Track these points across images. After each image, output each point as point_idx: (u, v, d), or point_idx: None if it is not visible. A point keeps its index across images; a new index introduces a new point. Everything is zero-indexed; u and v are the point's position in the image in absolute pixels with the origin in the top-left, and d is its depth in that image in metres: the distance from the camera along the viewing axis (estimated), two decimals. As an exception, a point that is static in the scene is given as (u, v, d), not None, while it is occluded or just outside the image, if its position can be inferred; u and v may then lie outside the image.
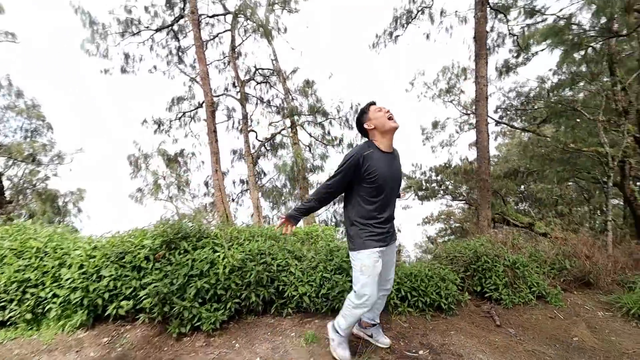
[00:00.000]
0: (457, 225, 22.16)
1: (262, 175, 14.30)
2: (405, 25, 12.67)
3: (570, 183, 18.79)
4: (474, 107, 10.68)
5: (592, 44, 11.39)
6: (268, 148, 13.64)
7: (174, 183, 12.58)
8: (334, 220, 13.70)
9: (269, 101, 13.05)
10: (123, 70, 13.26)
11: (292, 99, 12.94)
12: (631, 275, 3.37)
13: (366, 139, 2.08)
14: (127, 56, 13.32)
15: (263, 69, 13.73)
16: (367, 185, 1.95)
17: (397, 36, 12.83)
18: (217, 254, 2.78)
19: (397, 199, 2.32)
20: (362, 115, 2.07)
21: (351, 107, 12.72)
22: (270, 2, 12.87)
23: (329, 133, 13.64)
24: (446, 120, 17.61)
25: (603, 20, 7.15)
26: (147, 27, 12.70)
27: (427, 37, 12.30)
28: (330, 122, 13.40)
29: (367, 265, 1.96)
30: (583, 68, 14.54)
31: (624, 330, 2.63)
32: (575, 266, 3.50)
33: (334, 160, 14.69)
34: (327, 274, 2.92)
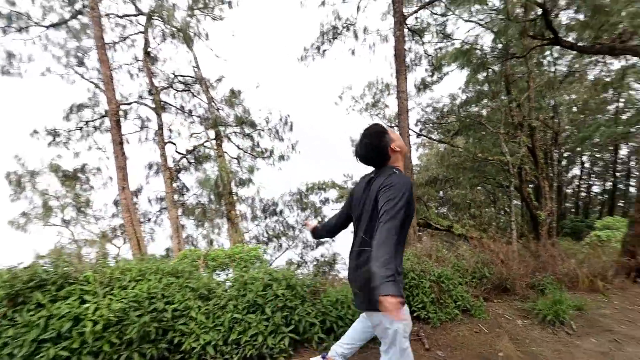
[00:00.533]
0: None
1: (185, 191, 13.07)
2: (331, 40, 12.90)
3: (479, 188, 20.97)
4: (397, 121, 11.21)
5: (492, 66, 12.95)
6: (191, 161, 12.54)
7: (72, 204, 10.66)
8: (265, 235, 13.10)
9: (190, 111, 12.04)
10: (4, 72, 11.06)
11: (217, 108, 12.15)
12: (541, 277, 3.55)
13: (383, 166, 1.74)
14: (10, 55, 11.16)
15: (184, 76, 12.70)
16: (404, 221, 1.53)
17: (325, 50, 12.99)
18: (86, 305, 2.10)
19: None
20: (384, 137, 1.71)
21: (280, 119, 12.43)
22: (191, 6, 12.03)
23: (258, 145, 13.11)
24: (374, 133, 18.39)
25: (501, 45, 8.00)
26: (37, 23, 10.81)
27: (353, 52, 12.69)
28: (260, 134, 12.91)
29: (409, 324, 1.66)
30: (486, 87, 16.58)
31: (542, 339, 2.65)
32: (493, 273, 3.59)
33: (264, 173, 14.17)
34: (239, 313, 2.43)
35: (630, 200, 26.83)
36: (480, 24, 9.96)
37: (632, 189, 27.33)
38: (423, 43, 13.54)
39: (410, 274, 3.08)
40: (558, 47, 7.30)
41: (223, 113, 12.40)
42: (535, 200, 15.40)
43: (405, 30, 11.68)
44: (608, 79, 20.09)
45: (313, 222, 2.16)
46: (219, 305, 2.51)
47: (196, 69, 12.24)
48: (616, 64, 18.56)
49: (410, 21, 11.83)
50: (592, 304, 3.02)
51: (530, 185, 15.97)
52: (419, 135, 17.54)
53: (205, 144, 11.11)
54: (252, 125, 12.30)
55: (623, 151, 25.55)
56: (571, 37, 6.82)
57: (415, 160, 22.47)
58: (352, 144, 18.94)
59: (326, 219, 2.30)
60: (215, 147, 10.37)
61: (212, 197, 10.31)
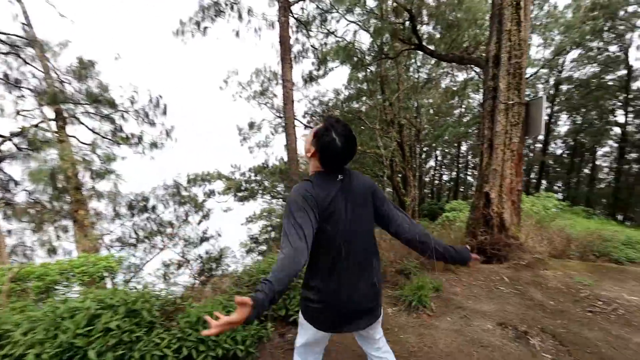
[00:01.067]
0: (278, 220, 23.08)
1: (14, 186, 9.96)
2: (214, 17, 11.69)
3: (359, 178, 22.90)
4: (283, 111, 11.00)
5: (369, 66, 14.02)
6: (22, 147, 9.58)
7: None
8: (133, 236, 11.15)
9: (17, 81, 9.10)
10: None
11: (61, 81, 9.55)
12: (407, 262, 3.81)
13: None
14: None
15: (7, 34, 9.51)
16: None
17: (206, 28, 11.71)
18: None
19: None
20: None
21: (151, 100, 10.66)
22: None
23: (121, 129, 10.98)
24: (262, 122, 17.91)
25: (377, 45, 8.57)
26: None
27: (237, 34, 11.79)
28: (123, 116, 10.81)
29: None
30: (365, 86, 18.04)
31: (408, 325, 2.76)
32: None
33: (132, 162, 12.06)
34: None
35: (468, 186, 33.95)
36: (358, 24, 10.63)
37: (469, 178, 34.61)
38: (310, 36, 13.61)
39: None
40: (421, 53, 8.28)
41: (70, 87, 9.85)
42: (403, 187, 17.74)
43: (292, 19, 11.51)
44: (455, 88, 24.59)
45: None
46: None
47: (27, 27, 9.33)
48: (460, 76, 22.77)
49: (296, 10, 11.70)
50: (446, 283, 3.35)
51: (399, 175, 18.30)
52: (306, 127, 17.90)
53: (39, 125, 8.56)
54: (112, 104, 10.17)
55: (464, 147, 32.02)
56: (432, 47, 7.80)
57: (303, 152, 22.91)
58: (240, 133, 18.03)
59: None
60: (56, 130, 8.09)
61: (49, 193, 8.05)
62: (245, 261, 21.37)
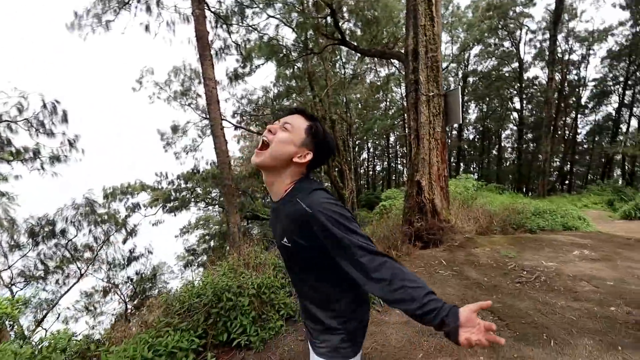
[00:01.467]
0: (216, 227, 21.91)
1: None
2: (117, 10, 10.40)
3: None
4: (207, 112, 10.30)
5: (295, 62, 13.91)
6: None
7: None
8: (40, 268, 9.40)
9: None
10: None
11: None
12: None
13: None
14: None
15: None
16: None
17: (108, 21, 10.36)
18: None
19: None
20: None
21: (44, 106, 9.05)
22: None
23: (9, 142, 9.14)
24: (187, 125, 16.63)
25: (301, 41, 8.45)
26: None
27: (147, 28, 10.64)
28: (10, 127, 9.00)
29: None
30: (293, 83, 17.92)
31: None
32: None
33: (29, 181, 10.20)
34: None
35: (399, 174, 36.28)
36: (279, 19, 10.41)
37: (399, 167, 36.98)
38: (230, 32, 12.92)
39: (224, 296, 2.52)
40: (346, 49, 8.37)
41: None
42: (340, 181, 18.14)
43: (209, 13, 10.78)
44: (379, 83, 25.90)
45: None
46: None
47: None
48: (383, 72, 24.06)
49: (213, 3, 10.97)
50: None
51: (335, 170, 18.67)
52: (236, 127, 17.16)
53: None
54: (-8, 114, 8.39)
55: (392, 138, 34.04)
56: (355, 43, 7.95)
57: (237, 153, 22.06)
58: (162, 137, 16.51)
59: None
60: None
61: None
62: (185, 275, 19.86)
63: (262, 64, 14.64)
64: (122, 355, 1.96)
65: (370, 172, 39.77)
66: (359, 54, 17.81)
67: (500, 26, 22.11)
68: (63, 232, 10.28)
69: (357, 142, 31.61)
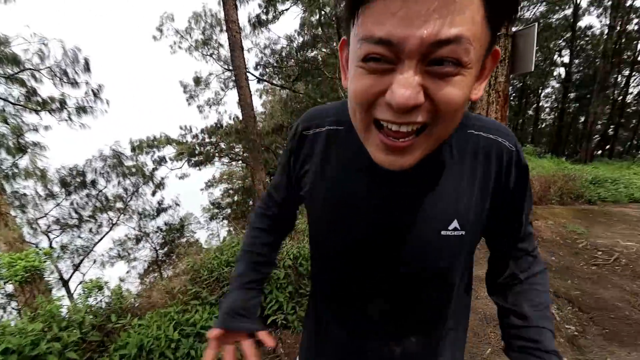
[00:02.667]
0: (239, 182, 22.25)
1: None
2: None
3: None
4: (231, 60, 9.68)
5: (324, 7, 12.68)
6: None
7: None
8: (74, 217, 9.74)
9: None
10: None
11: None
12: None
13: None
14: None
15: None
16: None
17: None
18: None
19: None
20: None
21: (65, 53, 8.72)
22: None
23: (34, 92, 9.02)
24: (209, 77, 16.05)
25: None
26: None
27: (165, -34, 9.75)
28: (34, 76, 8.82)
29: None
30: (319, 31, 16.59)
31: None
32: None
33: (59, 132, 10.27)
34: None
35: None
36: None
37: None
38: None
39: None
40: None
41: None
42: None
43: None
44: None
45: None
46: None
47: None
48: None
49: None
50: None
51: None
52: (260, 80, 16.40)
53: None
54: (16, 62, 8.17)
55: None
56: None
57: (259, 108, 21.48)
58: (185, 90, 16.11)
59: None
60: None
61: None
62: (211, 226, 20.60)
63: (287, 9, 13.49)
64: (144, 334, 1.72)
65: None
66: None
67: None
68: (93, 182, 10.51)
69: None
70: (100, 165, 10.50)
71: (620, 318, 2.03)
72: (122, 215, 12.39)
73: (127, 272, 14.28)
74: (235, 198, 22.23)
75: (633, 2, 20.54)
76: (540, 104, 30.18)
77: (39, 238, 9.35)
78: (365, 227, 0.55)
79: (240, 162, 19.44)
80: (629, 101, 23.96)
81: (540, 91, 28.71)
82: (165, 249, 15.82)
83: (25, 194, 9.34)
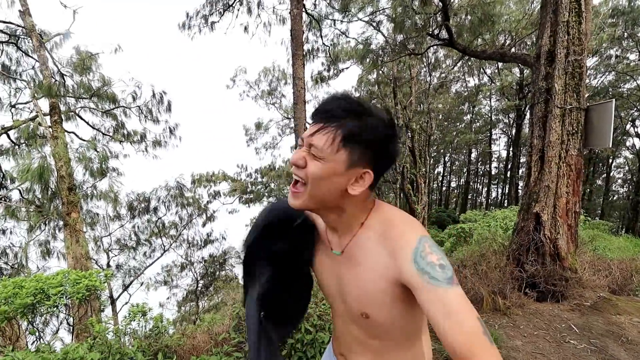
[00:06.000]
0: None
1: (8, 182, 9.45)
2: (222, 11, 11.18)
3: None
4: (293, 112, 10.45)
5: (385, 64, 13.38)
6: (16, 142, 9.05)
7: None
8: (133, 238, 10.53)
9: (10, 70, 8.59)
10: None
11: (60, 72, 9.02)
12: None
13: None
14: None
15: (5, 22, 9.03)
16: None
17: (213, 22, 11.19)
18: None
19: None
20: None
21: (153, 95, 10.10)
22: None
23: (123, 126, 10.44)
24: (269, 123, 17.34)
25: (399, 40, 7.93)
26: None
27: (246, 29, 11.22)
28: (125, 112, 10.27)
29: None
30: (376, 88, 17.40)
31: None
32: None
33: (134, 161, 11.53)
34: None
35: (477, 194, 33.13)
36: (372, 25, 10.02)
37: (478, 185, 33.77)
38: (321, 36, 12.98)
39: (302, 325, 2.16)
40: (441, 52, 7.56)
41: (70, 81, 9.33)
42: (413, 194, 17.02)
43: (304, 15, 10.93)
44: (465, 93, 23.85)
45: None
46: None
47: (24, 15, 8.82)
48: (471, 82, 22.10)
49: (309, 5, 11.10)
50: (501, 333, 2.66)
51: (408, 180, 17.59)
52: (315, 129, 17.28)
53: (35, 119, 8.00)
54: (113, 100, 9.63)
55: (474, 154, 31.22)
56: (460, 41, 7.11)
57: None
58: (246, 133, 17.45)
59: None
60: (50, 125, 7.52)
61: (39, 192, 7.49)
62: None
63: (347, 68, 14.45)
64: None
65: (444, 188, 37.00)
66: (452, 59, 16.49)
67: (626, 35, 18.43)
68: (155, 209, 11.42)
69: (433, 154, 29.65)
70: (164, 195, 11.43)
71: None
72: (174, 242, 13.10)
73: (168, 298, 14.69)
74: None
75: None
76: (612, 174, 27.52)
77: (100, 255, 10.14)
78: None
79: (286, 203, 19.88)
80: None
81: (611, 161, 26.37)
82: (205, 280, 16.17)
83: (97, 214, 10.38)
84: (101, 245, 10.18)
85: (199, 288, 15.59)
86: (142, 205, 11.30)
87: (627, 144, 24.17)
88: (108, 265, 10.31)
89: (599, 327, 2.81)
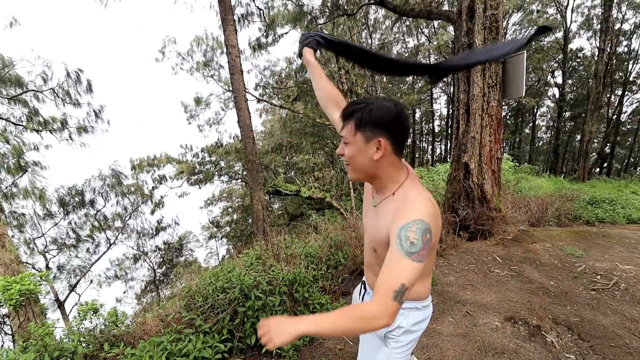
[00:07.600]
0: (239, 200, 22.20)
1: None
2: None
3: (320, 151, 22.40)
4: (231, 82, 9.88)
5: (323, 26, 13.04)
6: None
7: None
8: (72, 236, 9.64)
9: None
10: None
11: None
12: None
13: None
14: None
15: None
16: None
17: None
18: None
19: None
20: None
21: (68, 75, 8.90)
22: None
23: (36, 112, 9.16)
24: (210, 97, 16.32)
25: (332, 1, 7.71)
26: None
27: (168, -7, 10.10)
28: (37, 97, 8.97)
29: None
30: (317, 53, 17.05)
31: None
32: (348, 257, 3.19)
33: (59, 152, 10.33)
34: None
35: (423, 152, 35.07)
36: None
37: (424, 144, 35.68)
38: (254, -1, 12.17)
39: (253, 293, 2.20)
40: (375, 14, 7.54)
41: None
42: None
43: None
44: (406, 54, 24.39)
45: None
46: None
47: None
48: (411, 42, 22.55)
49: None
50: (437, 272, 2.95)
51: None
52: (259, 100, 16.69)
53: None
54: (18, 83, 8.34)
55: (417, 114, 32.59)
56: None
57: (259, 127, 21.73)
58: (186, 110, 16.34)
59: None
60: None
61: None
62: (210, 245, 20.37)
63: (286, 33, 13.89)
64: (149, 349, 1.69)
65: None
66: (391, 20, 16.57)
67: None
68: (92, 202, 10.49)
69: (381, 117, 30.38)
70: (99, 185, 10.50)
71: (620, 346, 2.00)
72: (121, 234, 12.31)
73: (124, 292, 14.03)
74: (235, 216, 22.12)
75: (621, 25, 21.23)
76: (537, 122, 30.62)
77: (36, 258, 9.24)
78: None
79: (239, 180, 19.48)
80: (623, 119, 24.38)
81: (535, 110, 29.20)
82: (163, 268, 15.63)
83: (23, 214, 9.30)
84: (34, 248, 9.25)
85: (158, 277, 15.04)
86: (76, 199, 10.31)
87: (549, 93, 26.80)
88: (47, 267, 9.45)
89: (518, 255, 3.24)
